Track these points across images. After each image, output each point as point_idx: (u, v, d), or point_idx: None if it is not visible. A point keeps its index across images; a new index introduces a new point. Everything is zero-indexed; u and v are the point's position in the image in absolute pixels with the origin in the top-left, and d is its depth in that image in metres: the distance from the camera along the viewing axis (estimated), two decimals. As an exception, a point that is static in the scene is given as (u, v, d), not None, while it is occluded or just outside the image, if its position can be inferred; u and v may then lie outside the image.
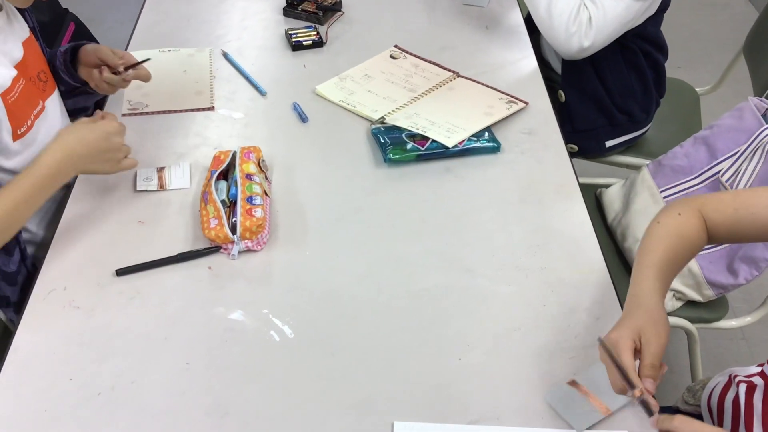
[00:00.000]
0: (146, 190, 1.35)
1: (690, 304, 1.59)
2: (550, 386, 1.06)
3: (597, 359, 0.98)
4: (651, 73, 1.86)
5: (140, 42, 1.74)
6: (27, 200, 1.13)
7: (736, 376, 1.15)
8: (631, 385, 0.91)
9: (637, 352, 0.93)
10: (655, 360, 0.91)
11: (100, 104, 1.54)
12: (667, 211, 1.07)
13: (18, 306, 1.23)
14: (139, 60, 1.38)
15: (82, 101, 1.48)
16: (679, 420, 0.83)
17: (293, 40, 1.73)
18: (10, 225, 1.13)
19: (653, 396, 0.90)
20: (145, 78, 1.38)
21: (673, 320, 1.58)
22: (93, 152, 1.21)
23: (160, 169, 1.38)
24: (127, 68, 1.35)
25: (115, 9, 3.45)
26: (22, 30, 1.28)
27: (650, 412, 0.89)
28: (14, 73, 1.20)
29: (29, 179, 1.13)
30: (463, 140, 1.44)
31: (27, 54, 1.26)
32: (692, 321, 1.59)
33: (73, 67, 1.39)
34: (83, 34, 2.06)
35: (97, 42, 2.02)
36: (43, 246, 1.29)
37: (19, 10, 1.29)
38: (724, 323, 1.61)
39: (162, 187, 1.36)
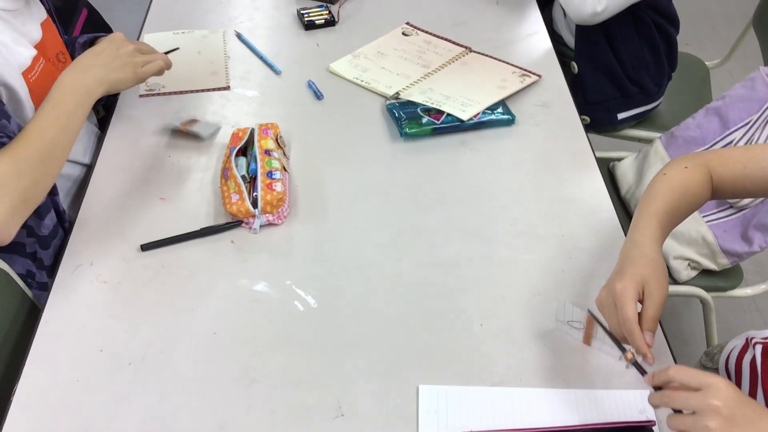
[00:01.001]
0: (170, 128, 1.44)
1: (705, 273, 1.60)
2: (570, 350, 1.08)
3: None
4: (663, 45, 1.87)
5: (154, 25, 1.75)
6: (62, 126, 1.11)
7: (753, 339, 1.17)
8: (622, 350, 0.92)
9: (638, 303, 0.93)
10: (657, 312, 0.92)
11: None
12: (675, 164, 1.08)
13: (51, 270, 1.24)
14: (168, 50, 1.39)
15: None
16: (674, 369, 0.83)
17: (305, 19, 1.74)
18: (53, 155, 1.11)
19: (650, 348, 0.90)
20: (168, 67, 1.38)
21: (688, 289, 1.59)
22: (105, 60, 1.19)
23: (193, 120, 1.45)
24: None
25: (126, -6, 3.45)
26: (39, 12, 1.30)
27: (644, 372, 0.90)
28: (34, 52, 1.22)
29: (50, 104, 1.11)
30: (478, 113, 1.45)
31: (45, 35, 1.28)
32: (707, 290, 1.60)
33: None
34: (96, 20, 2.06)
35: (110, 28, 2.04)
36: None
37: None
38: (739, 291, 1.62)
39: (184, 129, 1.41)
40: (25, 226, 1.19)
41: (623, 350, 0.92)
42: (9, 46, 1.15)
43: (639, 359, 0.91)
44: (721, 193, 1.09)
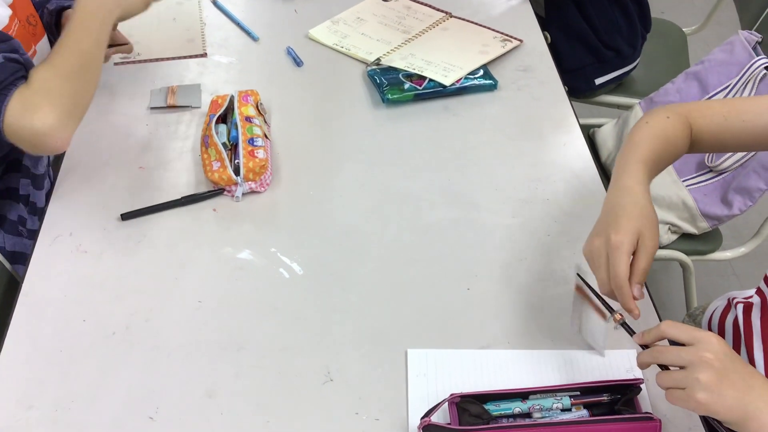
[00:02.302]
0: (157, 107, 1.39)
1: (684, 236, 1.62)
2: (558, 311, 1.08)
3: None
4: (635, 6, 1.87)
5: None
6: (93, 41, 1.14)
7: (734, 299, 1.18)
8: (611, 311, 0.91)
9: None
10: (648, 264, 0.90)
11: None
12: (656, 113, 1.06)
13: (42, 213, 1.22)
14: (120, 42, 1.38)
15: None
16: (666, 324, 0.83)
17: (283, -15, 1.71)
18: (91, 65, 1.13)
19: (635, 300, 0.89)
20: (128, 51, 1.39)
21: (668, 253, 1.61)
22: None
23: (171, 87, 1.43)
24: (109, 46, 1.33)
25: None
26: (8, -28, 1.26)
27: (632, 333, 0.89)
28: (9, 12, 1.19)
29: (77, 22, 1.13)
30: (460, 79, 1.44)
31: (16, -4, 1.24)
32: (687, 253, 1.62)
33: (56, 30, 1.36)
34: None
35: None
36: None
37: None
38: (718, 255, 1.64)
39: (172, 104, 1.39)
40: (21, 167, 1.19)
41: (612, 311, 0.92)
42: None
43: (627, 319, 0.91)
44: (699, 146, 1.07)
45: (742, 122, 1.03)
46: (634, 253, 0.91)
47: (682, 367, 0.80)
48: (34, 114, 1.03)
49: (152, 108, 1.40)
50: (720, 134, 1.05)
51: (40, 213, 1.23)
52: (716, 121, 1.05)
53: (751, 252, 1.66)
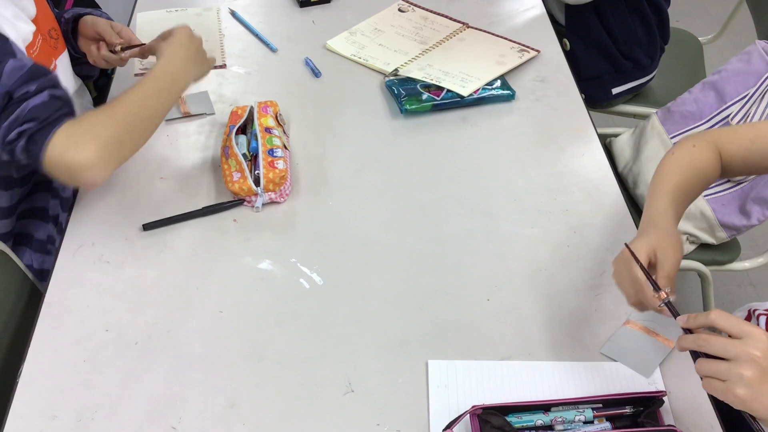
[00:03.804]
0: (171, 119, 1.40)
1: (703, 246, 1.61)
2: (578, 322, 1.08)
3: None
4: (654, 18, 1.87)
5: (146, 3, 1.73)
6: (161, 100, 1.17)
7: (755, 310, 1.18)
8: (656, 288, 0.89)
9: (651, 267, 0.92)
10: (673, 270, 0.91)
11: (104, 69, 1.52)
12: (682, 143, 1.08)
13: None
14: (139, 43, 1.38)
15: (86, 69, 1.47)
16: (716, 314, 0.81)
17: (300, -4, 1.72)
18: (149, 115, 1.15)
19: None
20: (143, 55, 1.38)
21: (686, 263, 1.60)
22: (193, 56, 1.25)
23: (180, 98, 1.43)
24: (124, 49, 1.34)
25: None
26: (33, -14, 1.27)
27: (677, 313, 0.88)
28: (33, 27, 1.20)
29: (152, 79, 1.17)
30: (478, 89, 1.45)
31: (39, 10, 1.25)
32: (705, 263, 1.61)
33: (74, 38, 1.37)
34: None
35: (98, 4, 2.00)
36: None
37: None
38: (736, 265, 1.63)
39: (186, 112, 1.41)
40: (51, 187, 1.22)
41: (658, 289, 0.89)
42: (12, 22, 1.14)
43: (672, 299, 0.89)
44: (731, 171, 1.09)
45: None
46: (656, 264, 0.91)
47: (724, 359, 0.78)
48: (77, 149, 1.03)
49: (166, 120, 1.41)
50: (749, 158, 1.06)
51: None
52: (744, 146, 1.06)
53: (770, 262, 1.66)
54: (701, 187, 1.07)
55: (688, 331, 0.85)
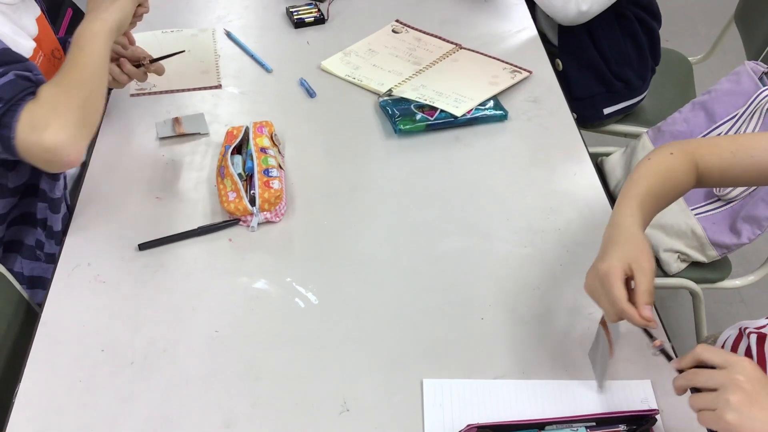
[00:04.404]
0: (166, 137, 1.42)
1: (694, 265, 1.62)
2: (572, 341, 1.09)
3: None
4: (646, 40, 1.90)
5: (141, 24, 1.73)
6: (96, 59, 1.15)
7: (746, 329, 1.19)
8: (650, 337, 0.91)
9: (628, 281, 0.92)
10: (650, 284, 0.91)
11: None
12: (660, 150, 1.08)
13: (61, 236, 1.25)
14: (170, 53, 1.39)
15: None
16: (700, 348, 0.83)
17: (295, 17, 1.74)
18: (94, 78, 1.15)
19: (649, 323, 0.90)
20: (160, 72, 1.39)
21: (677, 281, 1.61)
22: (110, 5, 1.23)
23: (176, 118, 1.44)
24: (152, 60, 1.35)
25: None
26: (34, 8, 1.29)
27: (670, 358, 0.90)
28: (34, 44, 1.21)
29: (78, 46, 1.15)
30: (471, 109, 1.46)
31: (41, 30, 1.27)
32: (696, 281, 1.63)
33: None
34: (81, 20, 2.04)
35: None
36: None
37: None
38: (727, 283, 1.65)
39: (181, 132, 1.42)
40: (39, 191, 1.23)
41: (652, 337, 0.91)
42: (11, 38, 1.15)
43: (667, 346, 0.91)
44: (707, 181, 1.09)
45: (751, 158, 1.05)
46: (633, 279, 0.92)
47: (714, 390, 0.80)
48: (43, 130, 1.04)
49: (161, 138, 1.42)
50: (729, 170, 1.06)
51: (57, 237, 1.25)
52: (725, 157, 1.06)
53: (761, 280, 1.67)
54: (673, 195, 1.07)
55: (680, 371, 0.86)
